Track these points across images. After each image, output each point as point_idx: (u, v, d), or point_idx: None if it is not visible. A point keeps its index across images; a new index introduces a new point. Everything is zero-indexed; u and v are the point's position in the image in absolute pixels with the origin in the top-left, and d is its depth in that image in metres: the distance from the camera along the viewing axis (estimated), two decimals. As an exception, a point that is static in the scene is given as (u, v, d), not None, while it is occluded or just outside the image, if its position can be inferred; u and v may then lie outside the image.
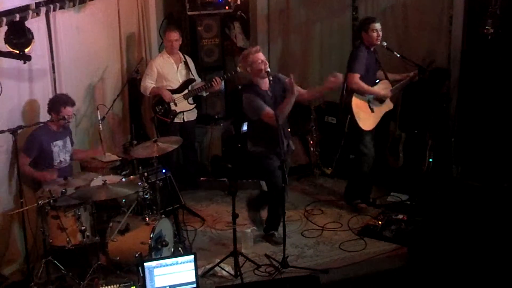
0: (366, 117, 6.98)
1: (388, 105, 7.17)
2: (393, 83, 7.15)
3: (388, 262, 6.22)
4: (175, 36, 7.58)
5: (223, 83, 7.93)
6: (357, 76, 6.84)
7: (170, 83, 7.60)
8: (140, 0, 8.06)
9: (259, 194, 6.51)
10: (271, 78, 6.09)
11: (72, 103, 6.22)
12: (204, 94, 7.78)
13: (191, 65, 7.84)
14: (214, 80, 7.52)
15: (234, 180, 5.94)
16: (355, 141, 7.10)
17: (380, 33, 6.88)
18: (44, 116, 6.26)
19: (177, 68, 7.68)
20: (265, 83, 6.25)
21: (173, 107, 7.55)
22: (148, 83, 7.55)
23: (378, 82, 7.12)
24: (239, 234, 6.29)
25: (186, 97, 7.61)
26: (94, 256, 5.83)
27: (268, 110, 6.12)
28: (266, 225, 6.73)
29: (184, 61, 7.75)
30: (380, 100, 7.08)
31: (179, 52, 7.74)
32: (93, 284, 5.61)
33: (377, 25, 6.89)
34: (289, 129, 6.59)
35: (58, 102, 6.16)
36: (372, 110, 7.02)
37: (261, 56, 6.20)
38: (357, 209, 7.22)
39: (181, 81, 7.65)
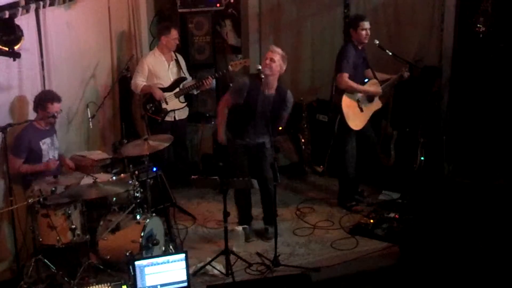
0: (355, 117, 6.98)
1: (377, 104, 7.18)
2: (381, 82, 7.14)
3: (380, 261, 6.22)
4: (177, 34, 7.56)
5: (214, 81, 7.90)
6: (345, 75, 6.82)
7: (161, 81, 7.56)
8: (131, -3, 8.05)
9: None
10: (262, 76, 6.09)
11: (58, 99, 6.15)
12: (195, 92, 7.75)
13: (182, 63, 7.81)
14: (206, 79, 7.49)
15: (225, 178, 5.92)
16: (342, 141, 7.09)
17: (369, 32, 6.88)
18: (33, 114, 6.21)
19: (169, 66, 7.64)
20: (269, 86, 6.33)
21: (164, 105, 7.51)
22: (139, 81, 7.51)
23: (367, 81, 7.10)
24: (231, 232, 6.27)
25: (177, 96, 7.58)
26: (85, 254, 5.78)
27: (229, 101, 6.41)
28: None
29: (175, 59, 7.71)
30: (370, 99, 7.08)
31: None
32: (84, 283, 5.58)
33: (366, 24, 6.88)
34: (266, 128, 6.48)
35: (45, 99, 6.09)
36: (361, 110, 7.02)
37: (269, 53, 6.27)
38: (353, 212, 7.19)
39: (172, 79, 7.61)
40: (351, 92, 6.91)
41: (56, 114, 6.14)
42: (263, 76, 6.11)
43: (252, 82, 6.32)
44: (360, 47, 6.97)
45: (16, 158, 5.98)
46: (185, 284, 5.45)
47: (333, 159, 7.95)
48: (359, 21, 6.90)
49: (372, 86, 7.06)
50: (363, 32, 6.85)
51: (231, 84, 6.47)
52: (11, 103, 6.13)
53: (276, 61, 6.23)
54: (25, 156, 6.06)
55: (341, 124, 6.97)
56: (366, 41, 6.90)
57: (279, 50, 6.33)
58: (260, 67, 6.17)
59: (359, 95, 6.98)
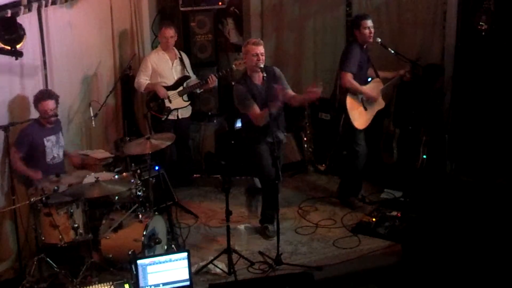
0: (359, 116, 6.97)
1: (380, 104, 7.17)
2: (383, 81, 7.14)
3: (382, 259, 6.22)
4: (170, 33, 7.54)
5: (216, 80, 7.90)
6: (350, 75, 6.82)
7: (165, 79, 7.57)
8: (133, -5, 8.05)
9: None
10: (265, 75, 6.09)
11: (49, 96, 6.15)
12: (199, 91, 7.75)
13: (186, 61, 7.81)
14: (209, 77, 7.50)
15: (227, 177, 5.92)
16: (349, 139, 7.09)
17: (373, 30, 6.87)
18: (34, 112, 6.21)
19: (172, 64, 7.65)
20: (258, 77, 6.30)
21: (167, 104, 7.51)
22: (143, 79, 7.52)
23: (370, 80, 7.10)
24: (233, 231, 6.27)
25: (181, 94, 7.58)
26: (87, 253, 5.80)
27: (255, 109, 6.24)
28: (260, 217, 6.76)
29: (179, 58, 7.71)
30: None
31: (174, 48, 7.71)
32: (86, 281, 5.58)
33: (369, 22, 6.86)
34: (284, 122, 6.50)
35: (36, 99, 6.12)
36: (366, 109, 7.01)
37: (257, 49, 6.21)
38: (354, 206, 7.19)
39: (176, 78, 7.61)
40: (355, 92, 6.91)
41: (49, 112, 6.12)
42: (265, 75, 6.11)
43: (245, 83, 6.33)
44: (365, 47, 6.96)
45: (15, 150, 5.99)
46: (187, 283, 5.44)
47: (336, 158, 7.94)
48: (361, 20, 6.89)
49: (374, 86, 7.05)
50: (367, 31, 6.84)
51: (240, 97, 6.33)
52: (13, 101, 6.14)
53: (263, 53, 6.26)
54: (25, 151, 6.07)
55: (346, 123, 6.96)
56: (371, 40, 6.89)
57: (261, 40, 6.36)
58: (262, 66, 6.17)
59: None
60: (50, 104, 6.11)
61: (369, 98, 6.99)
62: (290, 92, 6.46)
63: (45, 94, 6.15)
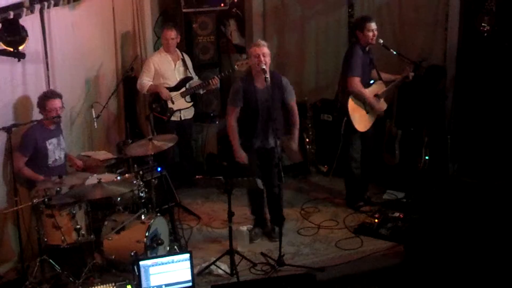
0: (361, 119, 6.97)
1: (382, 106, 7.15)
2: (386, 83, 7.13)
3: (384, 260, 6.21)
4: (171, 35, 7.56)
5: (219, 81, 7.91)
6: (357, 79, 6.80)
7: (167, 80, 7.58)
8: (135, -3, 8.06)
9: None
10: (267, 76, 6.07)
11: (56, 95, 6.16)
12: (201, 92, 7.76)
13: (189, 63, 7.82)
14: (212, 79, 7.51)
15: (229, 178, 5.91)
16: (347, 142, 7.08)
17: (376, 32, 6.86)
18: (37, 114, 6.22)
19: (175, 65, 7.66)
20: (261, 80, 6.25)
21: (170, 105, 7.52)
22: (146, 81, 7.53)
23: (373, 82, 7.08)
24: (235, 232, 6.26)
25: (183, 95, 7.59)
26: (89, 254, 5.81)
27: (234, 113, 6.34)
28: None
29: (182, 59, 7.72)
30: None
31: (177, 49, 7.73)
32: (89, 282, 5.58)
33: (373, 25, 6.85)
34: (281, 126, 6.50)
35: (42, 98, 6.12)
36: (367, 112, 7.00)
37: (258, 50, 6.18)
38: (361, 212, 7.17)
39: (178, 79, 7.62)
40: (360, 98, 6.91)
41: (58, 110, 6.13)
42: (267, 76, 6.08)
43: (245, 82, 6.33)
44: (367, 48, 6.96)
45: (20, 156, 6.01)
46: (190, 284, 5.45)
47: (338, 159, 7.93)
48: (365, 22, 6.87)
49: (377, 89, 7.04)
50: (370, 34, 6.82)
51: (232, 92, 6.40)
52: (15, 103, 6.14)
53: (267, 54, 6.22)
54: (30, 155, 6.07)
55: (347, 126, 6.96)
56: (374, 42, 6.88)
57: (263, 42, 6.33)
58: (264, 67, 6.15)
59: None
60: (57, 103, 6.13)
61: (372, 106, 6.97)
62: (292, 104, 6.55)
63: (52, 93, 6.17)
